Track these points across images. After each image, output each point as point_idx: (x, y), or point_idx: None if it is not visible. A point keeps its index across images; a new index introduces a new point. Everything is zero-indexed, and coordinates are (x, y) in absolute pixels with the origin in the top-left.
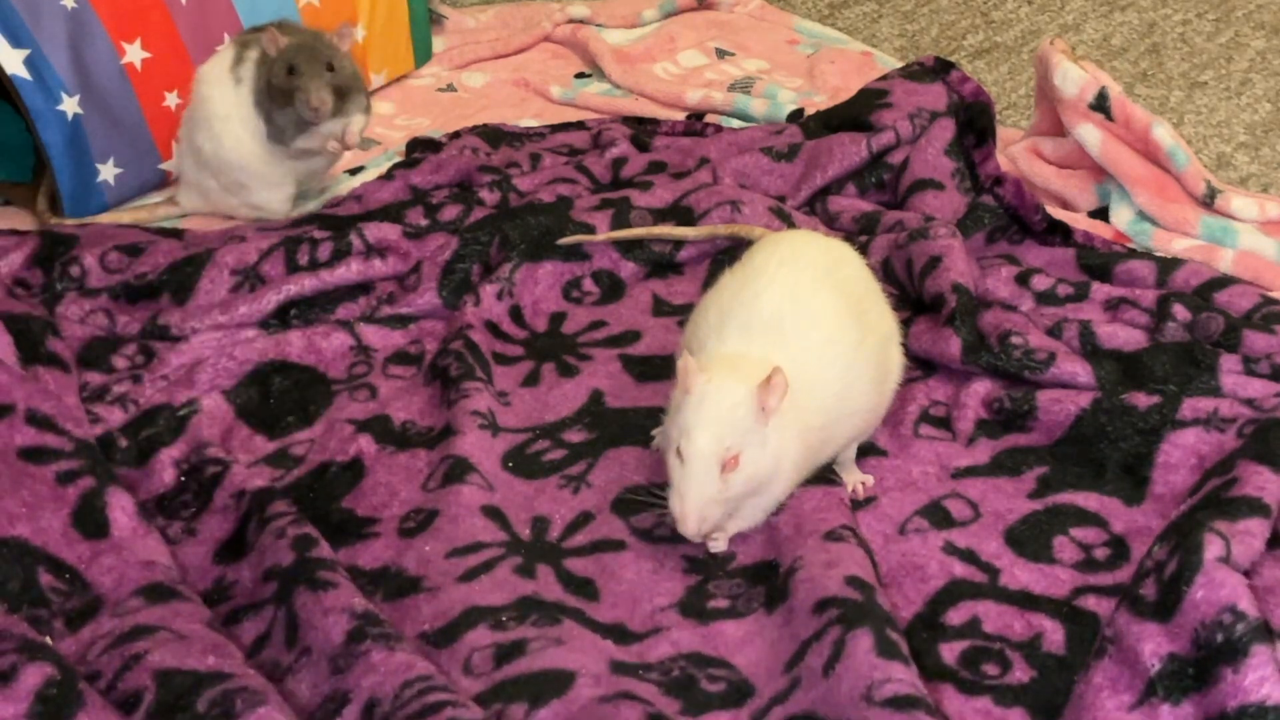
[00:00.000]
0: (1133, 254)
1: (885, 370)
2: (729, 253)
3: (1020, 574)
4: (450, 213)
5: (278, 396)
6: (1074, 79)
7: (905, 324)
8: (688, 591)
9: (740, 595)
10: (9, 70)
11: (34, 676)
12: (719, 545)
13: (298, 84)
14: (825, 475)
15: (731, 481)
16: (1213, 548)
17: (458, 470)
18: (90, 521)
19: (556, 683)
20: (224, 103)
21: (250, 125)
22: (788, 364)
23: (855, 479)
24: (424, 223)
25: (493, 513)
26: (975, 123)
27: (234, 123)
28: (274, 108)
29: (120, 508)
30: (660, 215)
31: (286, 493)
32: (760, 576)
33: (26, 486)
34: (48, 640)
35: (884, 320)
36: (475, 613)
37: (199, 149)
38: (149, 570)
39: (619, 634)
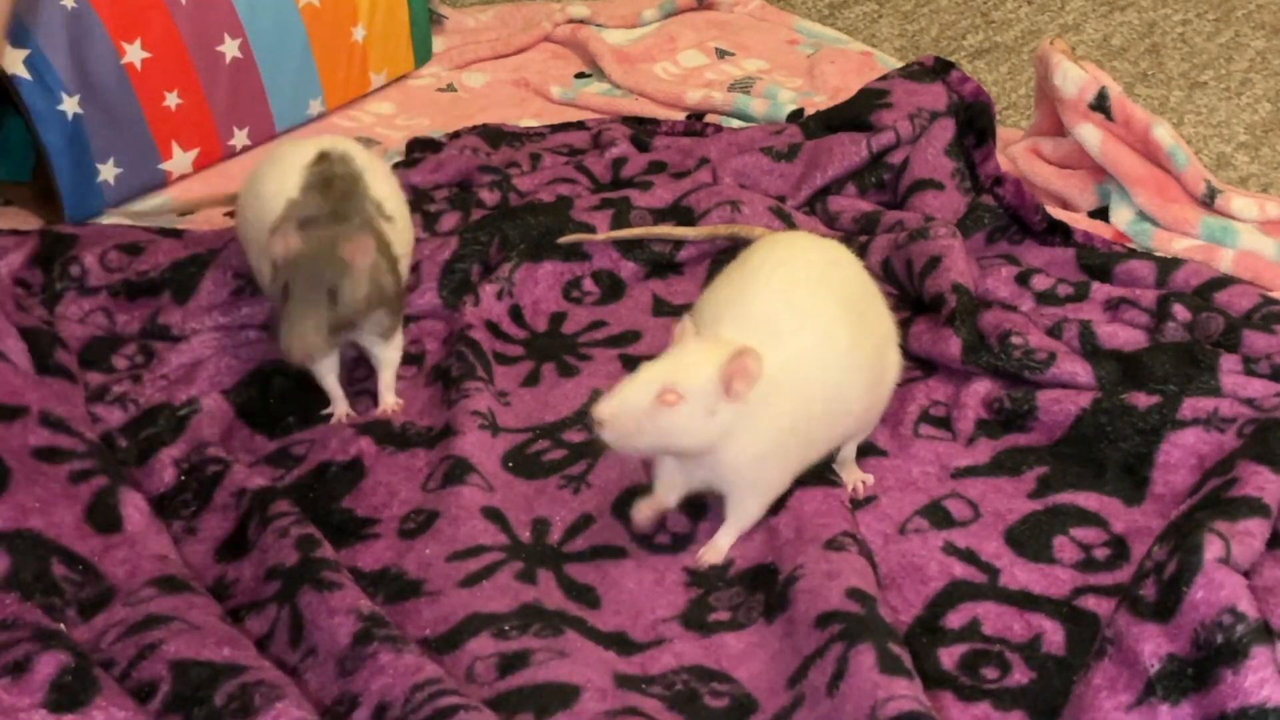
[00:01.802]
0: (1133, 254)
1: (881, 373)
2: (729, 253)
3: (1020, 574)
4: (450, 214)
5: (278, 396)
6: (1074, 79)
7: (905, 324)
8: (689, 604)
9: (740, 605)
10: (9, 70)
11: (49, 665)
12: (711, 557)
13: (283, 316)
14: (826, 476)
15: (659, 416)
16: (1212, 548)
17: (458, 471)
18: (103, 517)
19: (562, 696)
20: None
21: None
22: (779, 365)
23: (855, 478)
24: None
25: (493, 514)
26: (975, 123)
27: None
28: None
29: (133, 504)
30: (660, 215)
31: (287, 492)
32: (759, 582)
33: (40, 484)
34: (61, 627)
35: (881, 323)
36: (477, 620)
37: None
38: (162, 563)
39: (621, 643)
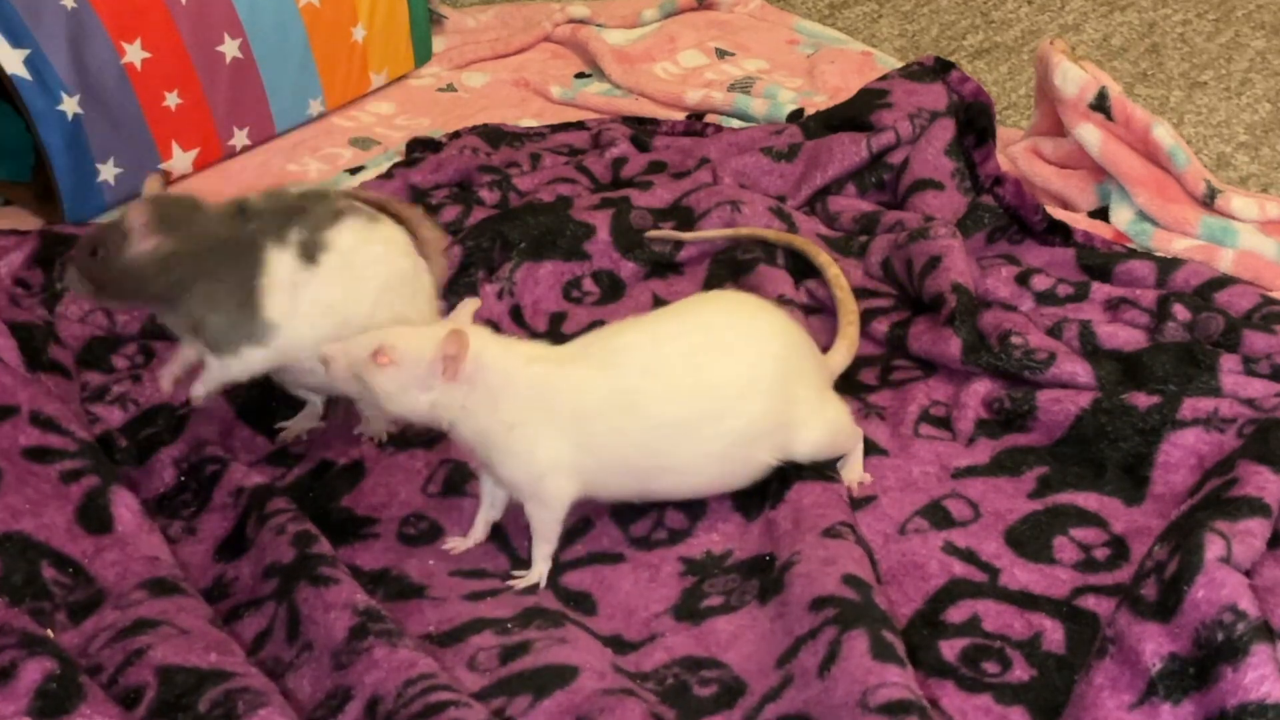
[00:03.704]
0: (1133, 254)
1: (741, 458)
2: (729, 253)
3: (1020, 574)
4: (450, 213)
5: (278, 396)
6: (1074, 79)
7: (905, 324)
8: (683, 594)
9: (734, 590)
10: (9, 70)
11: (34, 672)
12: (529, 580)
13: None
14: (824, 473)
15: (371, 372)
16: (1213, 547)
17: (456, 478)
18: (94, 518)
19: (560, 676)
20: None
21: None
22: (600, 382)
23: (854, 477)
24: None
25: (492, 528)
26: (975, 123)
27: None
28: None
29: (124, 505)
30: (660, 215)
31: (285, 491)
32: (755, 570)
33: (30, 484)
34: (49, 633)
35: (792, 411)
36: (480, 622)
37: None
38: (153, 565)
39: (616, 644)
